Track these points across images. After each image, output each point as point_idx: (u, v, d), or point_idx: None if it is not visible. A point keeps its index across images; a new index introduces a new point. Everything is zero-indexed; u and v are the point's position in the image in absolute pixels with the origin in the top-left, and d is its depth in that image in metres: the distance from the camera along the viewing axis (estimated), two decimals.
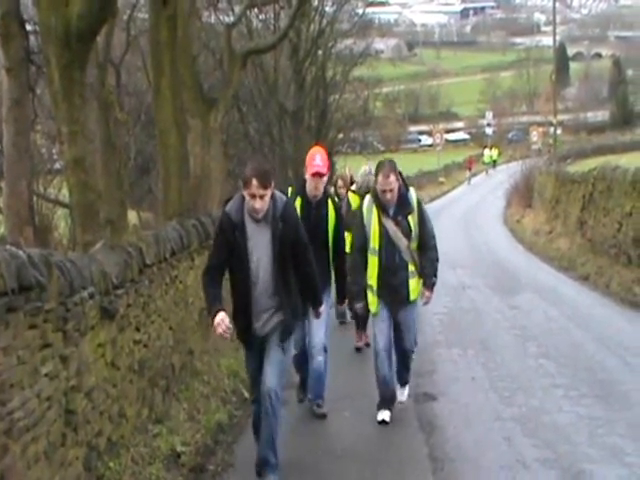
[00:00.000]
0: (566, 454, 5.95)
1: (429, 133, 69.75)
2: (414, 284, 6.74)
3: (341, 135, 37.30)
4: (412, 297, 6.75)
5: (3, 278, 3.88)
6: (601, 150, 50.76)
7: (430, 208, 7.20)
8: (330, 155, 36.56)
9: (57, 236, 15.34)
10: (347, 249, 7.16)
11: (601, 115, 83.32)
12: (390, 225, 6.63)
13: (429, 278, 6.79)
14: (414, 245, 6.69)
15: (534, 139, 50.99)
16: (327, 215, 6.92)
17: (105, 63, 14.54)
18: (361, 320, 9.16)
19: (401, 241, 6.62)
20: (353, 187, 9.80)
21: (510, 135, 79.10)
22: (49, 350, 4.49)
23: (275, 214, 5.30)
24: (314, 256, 5.67)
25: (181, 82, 10.81)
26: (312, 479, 5.79)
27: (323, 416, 7.02)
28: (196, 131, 12.87)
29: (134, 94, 23.00)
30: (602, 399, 7.27)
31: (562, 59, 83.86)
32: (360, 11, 35.63)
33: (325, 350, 6.95)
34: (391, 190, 6.54)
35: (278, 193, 5.43)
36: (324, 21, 30.86)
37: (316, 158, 6.82)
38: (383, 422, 6.78)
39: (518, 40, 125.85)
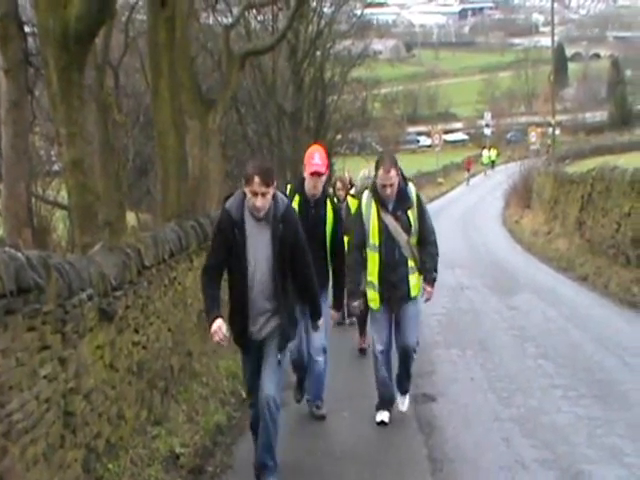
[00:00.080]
0: (565, 455, 5.95)
1: (428, 134, 69.72)
2: (415, 280, 6.63)
3: (339, 136, 37.34)
4: (413, 294, 6.64)
5: (2, 280, 3.88)
6: (599, 150, 50.79)
7: (429, 209, 7.13)
8: (329, 156, 36.64)
9: (56, 238, 15.33)
10: (346, 252, 7.00)
11: (599, 115, 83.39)
12: (390, 220, 6.54)
13: (430, 273, 6.67)
14: (413, 240, 6.59)
15: (533, 140, 50.99)
16: (325, 215, 6.80)
17: (103, 65, 14.55)
18: (363, 322, 9.10)
19: (401, 236, 6.53)
20: (352, 191, 9.69)
21: (509, 136, 79.17)
22: (48, 352, 4.49)
23: (276, 214, 5.23)
24: (312, 256, 5.59)
25: (179, 83, 10.81)
26: None
27: (322, 417, 7.02)
28: (194, 132, 12.87)
29: (132, 96, 23.00)
30: (601, 399, 7.27)
31: (560, 60, 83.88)
32: (358, 12, 35.71)
33: (324, 351, 6.93)
34: (391, 185, 6.45)
35: (280, 194, 5.38)
36: (322, 22, 30.90)
37: (315, 157, 6.68)
38: (382, 423, 6.78)
39: (516, 41, 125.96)
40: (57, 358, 4.62)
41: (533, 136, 51.22)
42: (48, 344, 4.49)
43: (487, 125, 64.78)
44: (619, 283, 13.03)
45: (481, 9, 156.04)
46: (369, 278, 6.67)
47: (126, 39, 19.77)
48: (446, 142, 69.20)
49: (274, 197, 5.24)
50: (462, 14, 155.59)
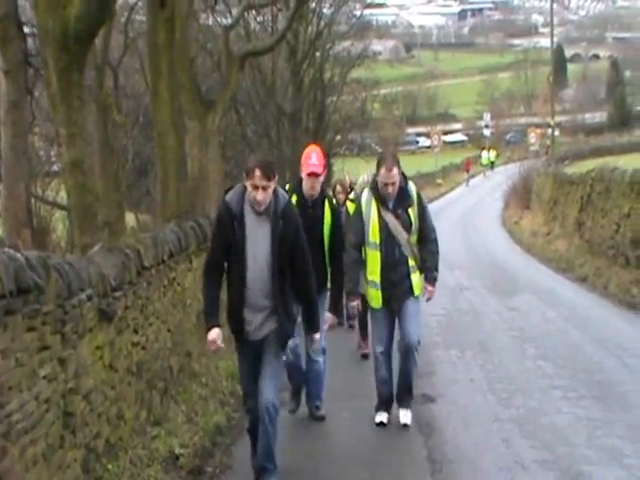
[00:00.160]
0: (565, 455, 5.95)
1: (427, 135, 69.71)
2: (416, 279, 6.56)
3: (339, 137, 37.39)
4: (416, 292, 6.56)
5: (1, 281, 3.88)
6: (599, 151, 50.79)
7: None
8: (328, 157, 36.67)
9: (55, 238, 15.35)
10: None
11: (599, 116, 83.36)
12: (390, 218, 6.48)
13: (431, 272, 6.61)
14: (414, 239, 6.53)
15: (532, 141, 50.98)
16: (323, 216, 6.72)
17: (103, 65, 14.55)
18: (364, 326, 9.05)
19: (401, 235, 6.47)
20: (351, 196, 9.59)
21: (508, 137, 79.15)
22: (47, 352, 4.49)
23: (276, 210, 5.15)
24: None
25: (179, 84, 10.81)
26: None
27: (322, 418, 7.01)
28: (194, 133, 12.87)
29: (132, 96, 23.01)
30: (601, 400, 7.27)
31: (560, 60, 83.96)
32: (358, 13, 35.77)
33: (324, 352, 6.93)
34: (393, 183, 6.39)
35: (281, 190, 5.32)
36: (322, 23, 30.95)
37: (312, 157, 6.59)
38: (381, 424, 6.76)
39: (516, 41, 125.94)
40: (57, 358, 4.62)
41: (532, 137, 51.20)
42: (48, 344, 4.49)
43: (486, 126, 64.76)
44: (618, 284, 13.03)
45: (480, 10, 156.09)
46: (370, 277, 6.60)
47: (126, 40, 19.78)
48: (445, 143, 69.18)
49: (275, 192, 5.16)
50: (461, 15, 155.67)
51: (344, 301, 7.14)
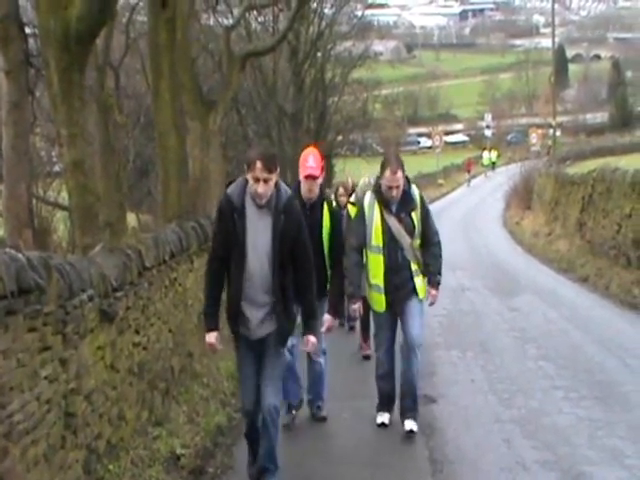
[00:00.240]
0: (566, 456, 5.95)
1: (428, 135, 69.67)
2: (420, 282, 6.48)
3: (340, 137, 37.40)
4: (420, 295, 6.49)
5: (2, 281, 3.88)
6: (600, 152, 50.75)
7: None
8: (329, 157, 36.70)
9: (56, 239, 15.35)
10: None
11: (600, 117, 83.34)
12: (393, 222, 6.41)
13: (434, 276, 6.56)
14: (417, 243, 6.47)
15: (533, 141, 51.03)
16: (321, 219, 6.60)
17: (104, 66, 14.55)
18: (365, 327, 9.05)
19: (404, 239, 6.40)
20: (352, 199, 9.53)
21: (509, 137, 79.17)
22: (48, 353, 4.49)
23: (278, 204, 5.05)
24: None
25: (180, 84, 10.81)
26: None
27: (323, 419, 7.01)
28: (195, 133, 12.87)
29: (133, 97, 23.03)
30: (602, 401, 7.27)
31: (561, 61, 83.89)
32: (359, 13, 35.79)
33: (324, 353, 6.92)
34: (397, 186, 6.32)
35: (284, 185, 5.21)
36: (323, 23, 30.97)
37: (309, 160, 6.51)
38: (382, 425, 6.76)
39: (517, 42, 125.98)
40: (58, 359, 4.62)
41: (534, 137, 51.28)
42: (49, 345, 4.49)
43: (488, 126, 64.76)
44: (620, 284, 13.03)
45: (482, 10, 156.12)
46: (374, 281, 6.52)
47: (127, 40, 19.78)
48: (447, 143, 69.14)
49: (277, 186, 5.06)
50: (463, 15, 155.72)
51: (345, 302, 7.13)
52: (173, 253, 7.44)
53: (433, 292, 6.61)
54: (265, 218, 5.06)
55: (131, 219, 17.90)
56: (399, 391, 6.70)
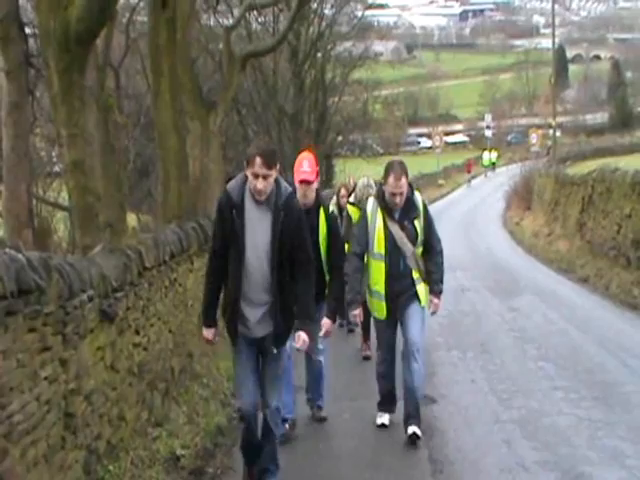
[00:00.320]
0: (566, 457, 5.94)
1: (428, 135, 69.78)
2: (421, 289, 6.42)
3: (340, 138, 37.45)
4: (422, 302, 6.43)
5: (2, 281, 3.88)
6: (600, 152, 50.73)
7: (429, 210, 7.02)
8: (329, 157, 36.74)
9: (56, 239, 15.37)
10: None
11: (600, 117, 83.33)
12: (396, 230, 6.34)
13: (436, 285, 6.49)
14: (419, 251, 6.41)
15: (533, 141, 51.02)
16: (318, 225, 6.40)
17: (104, 66, 14.51)
18: (366, 327, 9.03)
19: (407, 247, 6.33)
20: (351, 199, 9.52)
21: (509, 137, 79.26)
22: (48, 353, 4.49)
23: (277, 202, 4.97)
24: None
25: (180, 85, 10.81)
26: None
27: (323, 419, 7.01)
28: (195, 134, 12.87)
29: (133, 97, 23.04)
30: (602, 401, 7.26)
31: (561, 61, 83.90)
32: (359, 14, 35.79)
33: (323, 352, 6.89)
34: (401, 193, 6.24)
35: (284, 182, 5.14)
36: (323, 24, 31.01)
37: (303, 164, 6.37)
38: (382, 426, 6.76)
39: (517, 42, 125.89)
40: (58, 359, 4.62)
41: (534, 138, 51.24)
42: (49, 345, 4.49)
43: (488, 127, 64.74)
44: (620, 285, 13.03)
45: (482, 11, 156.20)
46: (374, 287, 6.46)
47: (127, 40, 19.80)
48: (447, 144, 69.22)
49: (277, 182, 4.99)
50: (463, 16, 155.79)
51: (345, 305, 7.08)
52: (173, 253, 7.44)
53: (435, 301, 6.54)
54: (264, 215, 4.99)
55: (131, 219, 17.88)
56: (401, 396, 6.64)
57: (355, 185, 10.58)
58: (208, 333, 5.30)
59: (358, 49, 35.24)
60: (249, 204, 5.00)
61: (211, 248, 5.33)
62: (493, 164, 58.95)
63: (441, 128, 69.19)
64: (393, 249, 6.34)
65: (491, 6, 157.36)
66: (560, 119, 53.55)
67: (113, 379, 5.59)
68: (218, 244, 5.15)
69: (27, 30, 10.33)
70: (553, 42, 38.26)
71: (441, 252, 6.54)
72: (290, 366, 6.43)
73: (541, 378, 8.20)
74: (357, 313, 6.54)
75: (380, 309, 6.49)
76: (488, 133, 64.85)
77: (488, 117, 65.50)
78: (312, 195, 6.42)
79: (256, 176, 4.87)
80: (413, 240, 6.35)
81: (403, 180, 6.22)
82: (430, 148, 65.21)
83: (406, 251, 6.35)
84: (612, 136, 68.08)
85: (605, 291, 13.25)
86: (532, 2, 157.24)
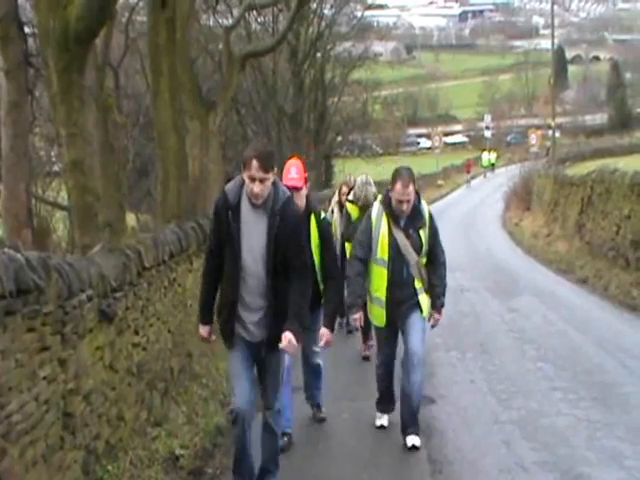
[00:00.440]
0: (565, 457, 5.95)
1: (428, 136, 69.73)
2: (424, 299, 6.32)
3: (340, 138, 37.48)
4: (424, 313, 6.34)
5: (1, 281, 3.87)
6: (599, 153, 50.69)
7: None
8: (329, 158, 36.76)
9: (56, 239, 15.37)
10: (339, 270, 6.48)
11: (599, 118, 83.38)
12: (401, 237, 6.24)
13: (439, 298, 6.41)
14: (422, 260, 6.32)
15: (532, 142, 51.05)
16: (309, 232, 6.20)
17: (104, 65, 14.51)
18: (366, 327, 9.02)
19: (411, 255, 6.24)
20: (350, 196, 9.50)
21: (509, 138, 79.28)
22: (47, 353, 4.48)
23: (274, 206, 4.85)
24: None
25: (180, 84, 10.81)
26: None
27: (322, 420, 7.01)
28: (195, 133, 12.87)
29: (133, 96, 23.04)
30: (601, 402, 7.26)
31: (560, 62, 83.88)
32: (359, 14, 35.80)
33: (320, 354, 6.86)
34: (408, 201, 6.15)
35: (282, 186, 5.05)
36: (323, 24, 31.02)
37: (291, 171, 6.15)
38: (381, 427, 6.75)
39: (517, 43, 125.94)
40: (57, 359, 4.61)
41: (533, 138, 51.26)
42: (48, 345, 4.48)
43: (487, 127, 64.75)
44: (619, 286, 13.03)
45: (481, 12, 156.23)
46: (375, 294, 6.38)
47: (126, 40, 19.79)
48: (446, 144, 69.21)
49: (274, 185, 4.88)
50: (462, 16, 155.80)
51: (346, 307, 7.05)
52: (172, 253, 7.44)
53: (436, 316, 6.47)
54: (261, 219, 4.88)
55: (130, 219, 17.88)
56: (399, 404, 6.55)
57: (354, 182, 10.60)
58: (204, 330, 5.29)
59: (357, 49, 35.26)
60: (245, 207, 4.90)
61: (208, 247, 5.30)
62: (492, 165, 58.95)
63: (440, 128, 69.13)
64: (397, 256, 6.25)
65: (490, 7, 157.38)
66: (559, 120, 53.52)
67: (112, 379, 5.58)
68: (214, 245, 5.10)
69: (26, 29, 10.34)
70: (552, 43, 38.27)
71: (444, 264, 6.44)
72: (290, 378, 6.28)
73: (540, 379, 8.20)
74: (357, 317, 6.43)
75: (379, 316, 6.40)
76: (487, 134, 64.85)
77: (487, 118, 65.51)
78: (301, 202, 6.19)
79: (253, 179, 4.75)
80: (417, 249, 6.27)
81: (410, 188, 6.13)
82: (429, 148, 65.20)
83: (410, 259, 6.26)
84: (611, 137, 68.10)
85: (604, 292, 13.25)
86: (531, 3, 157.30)
